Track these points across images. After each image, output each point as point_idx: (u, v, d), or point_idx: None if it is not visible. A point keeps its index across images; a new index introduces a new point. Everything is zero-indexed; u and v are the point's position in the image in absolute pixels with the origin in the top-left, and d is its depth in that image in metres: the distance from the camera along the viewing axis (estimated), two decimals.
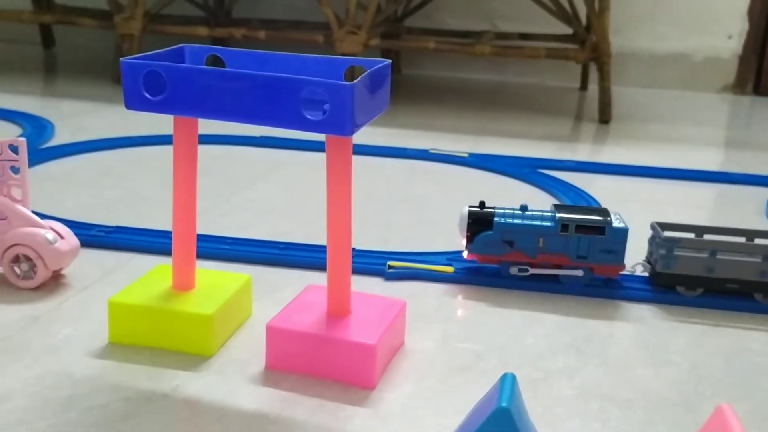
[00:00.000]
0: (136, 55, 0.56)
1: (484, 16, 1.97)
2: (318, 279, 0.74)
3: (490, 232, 0.73)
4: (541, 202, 1.03)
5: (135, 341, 0.60)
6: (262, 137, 1.22)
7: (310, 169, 1.15)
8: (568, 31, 1.76)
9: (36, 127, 1.23)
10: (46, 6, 1.91)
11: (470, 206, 0.75)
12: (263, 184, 1.06)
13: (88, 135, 1.22)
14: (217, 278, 0.64)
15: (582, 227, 0.72)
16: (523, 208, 0.74)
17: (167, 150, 1.28)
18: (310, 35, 1.62)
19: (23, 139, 0.69)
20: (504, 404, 0.38)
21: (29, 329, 0.61)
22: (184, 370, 0.57)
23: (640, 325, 0.68)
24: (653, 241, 0.75)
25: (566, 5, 1.68)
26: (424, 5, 1.87)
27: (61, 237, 0.69)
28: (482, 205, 0.75)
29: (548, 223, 0.73)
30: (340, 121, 0.50)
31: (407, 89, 1.85)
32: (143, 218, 0.87)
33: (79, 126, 1.30)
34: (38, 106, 1.46)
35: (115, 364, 0.57)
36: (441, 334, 0.65)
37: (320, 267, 0.76)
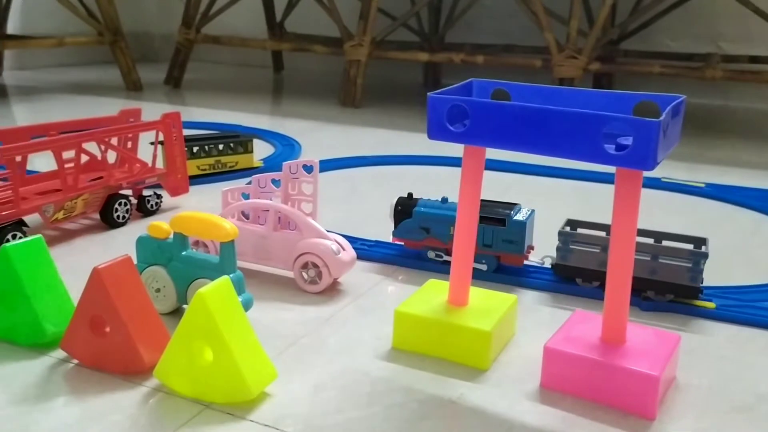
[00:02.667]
0: (439, 90, 0.62)
1: (708, 37, 1.87)
2: (570, 303, 0.75)
3: (410, 219, 0.83)
4: None
5: (415, 348, 0.65)
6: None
7: (536, 194, 1.17)
8: None
9: (285, 146, 1.37)
10: (279, 34, 2.12)
11: (399, 196, 0.86)
12: None
13: (328, 152, 1.34)
14: (487, 297, 0.68)
15: (486, 218, 0.78)
16: (444, 200, 0.84)
17: (400, 169, 1.35)
18: (527, 60, 1.65)
19: (317, 160, 0.78)
20: None
21: (322, 329, 0.70)
22: (465, 380, 0.61)
23: None
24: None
25: None
26: (644, 27, 1.83)
27: (343, 249, 0.77)
28: (410, 196, 0.86)
29: None
30: (643, 157, 0.52)
31: None
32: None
33: (317, 143, 1.43)
34: (272, 124, 1.62)
35: (402, 368, 0.63)
36: (715, 372, 0.64)
37: (566, 292, 0.78)
